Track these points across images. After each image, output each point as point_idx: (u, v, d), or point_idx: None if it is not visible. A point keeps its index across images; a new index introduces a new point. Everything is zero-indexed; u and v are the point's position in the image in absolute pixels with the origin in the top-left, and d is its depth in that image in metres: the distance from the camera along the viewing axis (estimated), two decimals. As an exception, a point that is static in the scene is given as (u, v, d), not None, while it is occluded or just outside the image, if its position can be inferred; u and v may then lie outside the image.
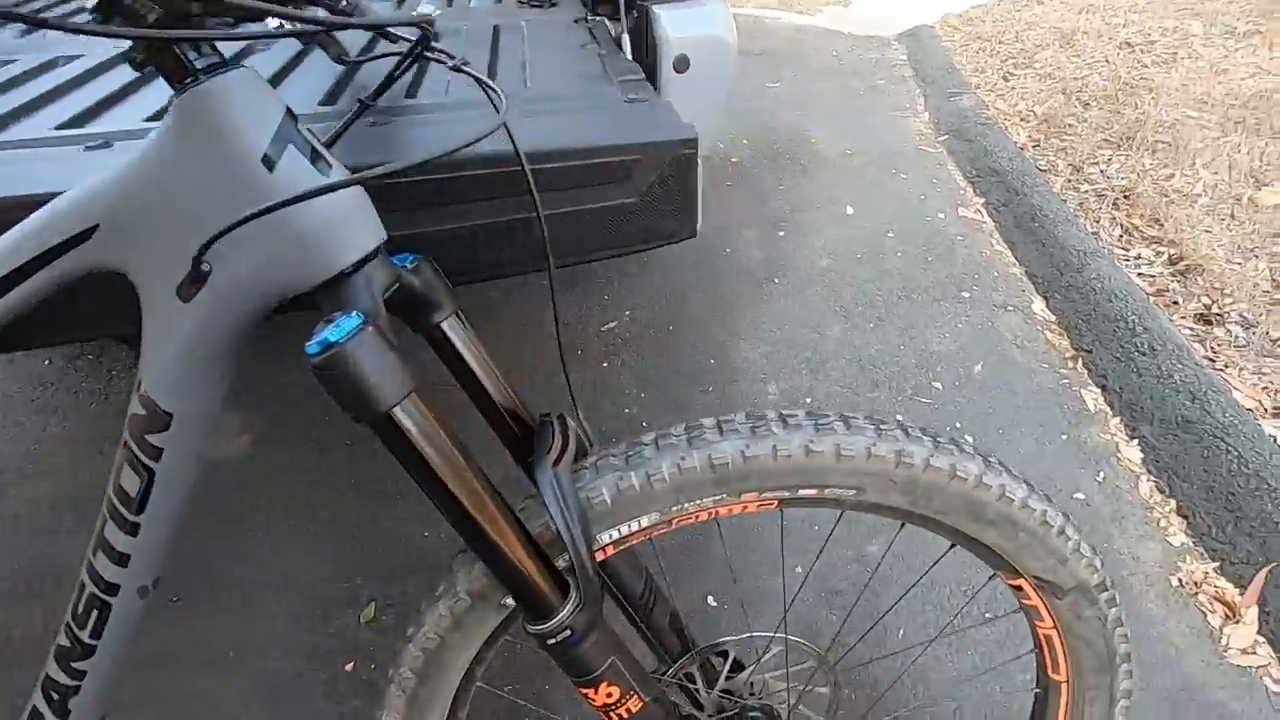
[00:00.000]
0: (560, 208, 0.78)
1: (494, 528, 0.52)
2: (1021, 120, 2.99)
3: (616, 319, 2.06)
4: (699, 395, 1.81)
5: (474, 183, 0.74)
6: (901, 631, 1.27)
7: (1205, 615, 1.29)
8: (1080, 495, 1.51)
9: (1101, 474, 1.56)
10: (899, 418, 0.61)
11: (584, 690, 0.56)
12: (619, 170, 0.79)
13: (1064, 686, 0.72)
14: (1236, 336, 1.77)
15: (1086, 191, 2.44)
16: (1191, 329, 1.82)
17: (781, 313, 2.08)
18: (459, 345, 0.60)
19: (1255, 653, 1.22)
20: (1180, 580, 1.34)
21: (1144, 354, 1.72)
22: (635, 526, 0.59)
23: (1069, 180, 2.52)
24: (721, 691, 0.76)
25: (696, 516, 0.60)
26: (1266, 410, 1.57)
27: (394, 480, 1.53)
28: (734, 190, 2.70)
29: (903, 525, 0.66)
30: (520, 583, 0.53)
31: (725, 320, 2.06)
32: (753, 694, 0.77)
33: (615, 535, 0.59)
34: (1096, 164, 2.56)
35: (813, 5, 5.12)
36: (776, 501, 0.60)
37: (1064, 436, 1.64)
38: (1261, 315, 1.80)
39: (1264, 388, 1.62)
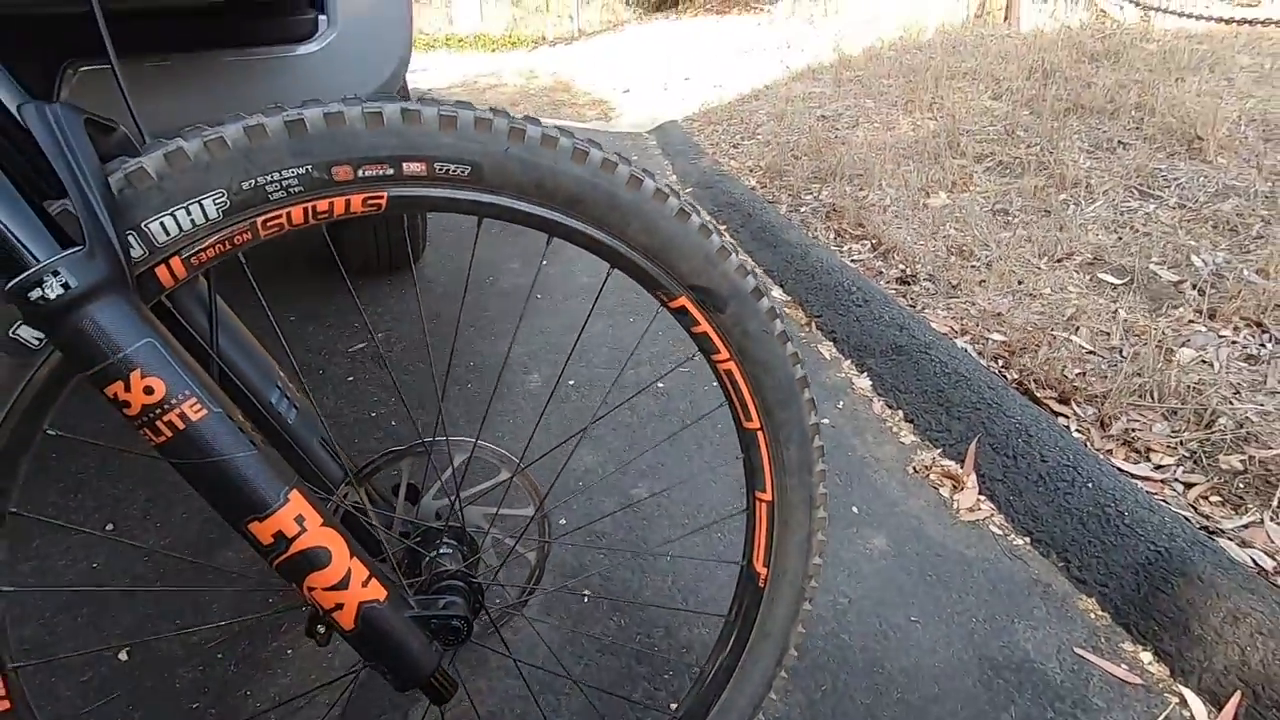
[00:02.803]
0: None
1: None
2: (750, 171, 3.41)
3: (368, 341, 1.91)
4: (455, 391, 1.69)
5: None
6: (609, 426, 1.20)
7: (938, 490, 1.37)
8: (827, 420, 1.59)
9: (841, 403, 1.66)
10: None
11: (109, 389, 0.42)
12: None
13: (760, 436, 0.70)
14: (927, 288, 2.05)
15: (805, 211, 2.80)
16: (895, 289, 2.09)
17: (544, 322, 2.06)
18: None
19: (979, 509, 1.31)
20: (914, 468, 1.43)
21: (860, 306, 1.92)
22: (198, 216, 0.48)
23: (790, 205, 2.88)
24: (404, 519, 0.64)
25: (287, 215, 0.51)
26: (956, 332, 1.80)
27: None
28: (499, 237, 2.73)
29: (550, 240, 0.62)
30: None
31: (486, 332, 2.00)
32: (438, 516, 0.65)
33: (172, 229, 0.47)
34: (810, 193, 2.97)
35: (579, 117, 5.65)
36: (384, 197, 0.53)
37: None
38: (942, 273, 2.11)
39: (952, 318, 1.87)
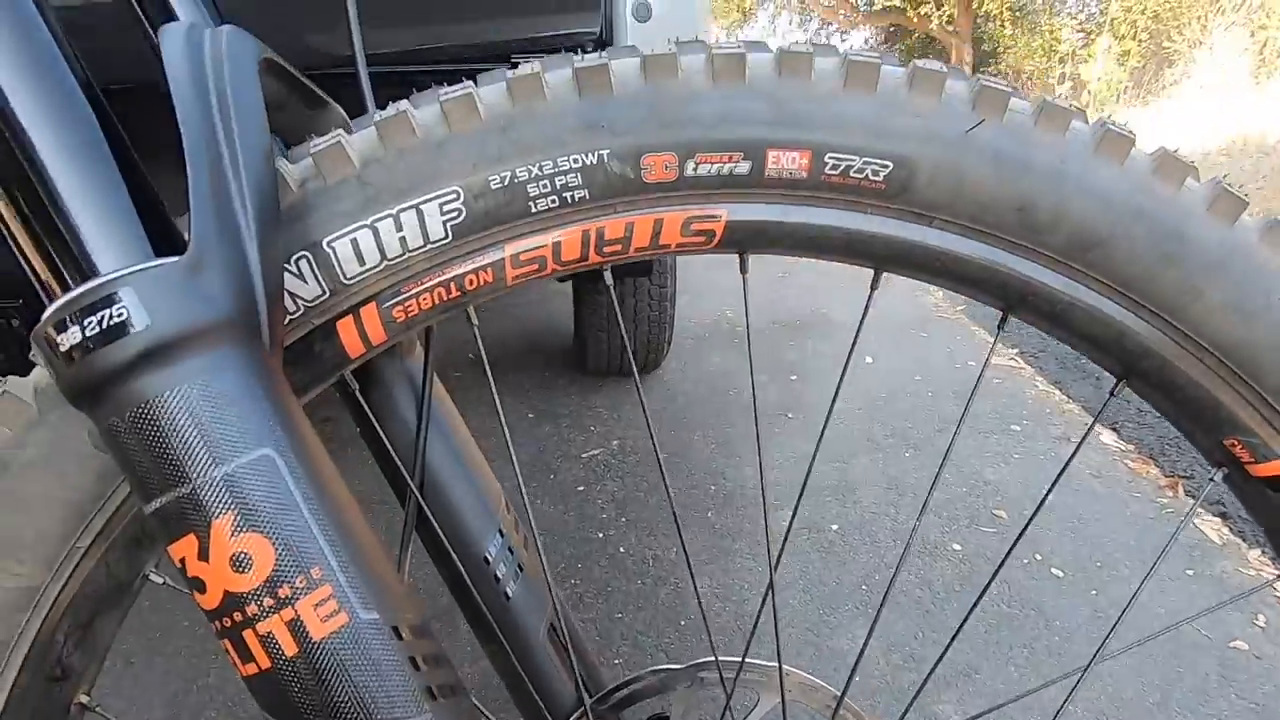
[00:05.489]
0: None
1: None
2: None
3: (602, 447, 1.75)
4: (693, 519, 1.43)
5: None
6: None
7: None
8: (1244, 646, 1.04)
9: (1264, 617, 1.09)
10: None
11: (175, 546, 0.20)
12: None
13: None
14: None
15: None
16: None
17: (797, 445, 1.75)
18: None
19: None
20: None
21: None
22: (414, 234, 0.27)
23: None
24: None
25: (555, 247, 0.28)
26: None
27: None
28: (736, 343, 2.53)
29: (1004, 319, 0.32)
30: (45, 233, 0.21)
31: (731, 452, 1.73)
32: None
33: (371, 254, 0.27)
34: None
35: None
36: (721, 220, 0.28)
37: (1189, 571, 1.21)
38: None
39: None
